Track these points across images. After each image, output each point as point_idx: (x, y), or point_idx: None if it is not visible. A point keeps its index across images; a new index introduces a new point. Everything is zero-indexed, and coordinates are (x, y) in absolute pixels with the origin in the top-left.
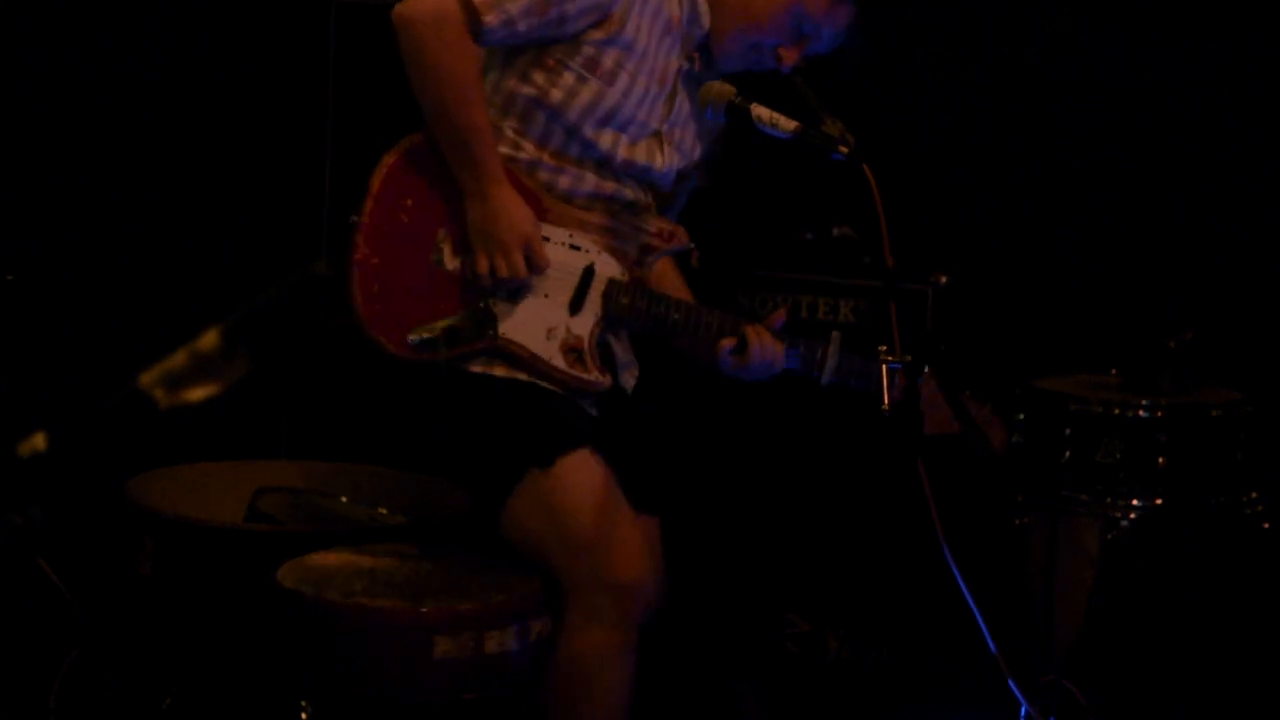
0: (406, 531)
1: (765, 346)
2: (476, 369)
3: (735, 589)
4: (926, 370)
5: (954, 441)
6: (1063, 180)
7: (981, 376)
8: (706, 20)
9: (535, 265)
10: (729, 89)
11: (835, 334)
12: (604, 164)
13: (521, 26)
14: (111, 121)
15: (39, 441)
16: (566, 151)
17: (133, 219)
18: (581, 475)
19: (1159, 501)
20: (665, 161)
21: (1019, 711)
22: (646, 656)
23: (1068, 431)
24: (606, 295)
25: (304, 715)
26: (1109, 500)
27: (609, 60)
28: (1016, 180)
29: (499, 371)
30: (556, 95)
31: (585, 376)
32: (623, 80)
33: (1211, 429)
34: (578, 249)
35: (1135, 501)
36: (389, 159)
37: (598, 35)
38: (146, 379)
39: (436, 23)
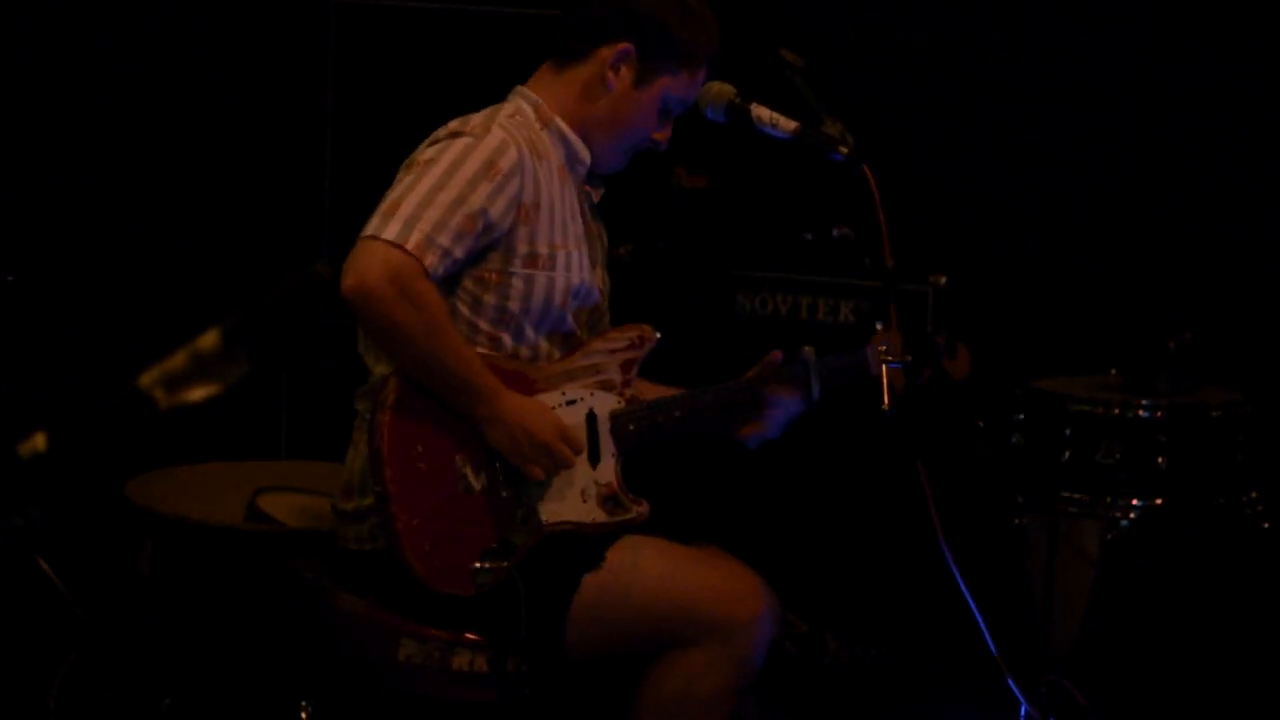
0: None
1: (782, 399)
2: None
3: None
4: (881, 328)
5: (950, 440)
6: (1062, 181)
7: (981, 376)
8: (585, 153)
9: (575, 448)
10: (729, 89)
11: (808, 349)
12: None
13: (459, 253)
14: (111, 122)
15: (39, 441)
16: (524, 337)
17: (133, 219)
18: (637, 551)
19: (1159, 502)
20: (597, 297)
21: (1019, 711)
22: (643, 657)
23: (1067, 432)
24: (615, 432)
25: (304, 715)
26: (1109, 500)
27: (544, 248)
28: (1016, 180)
29: None
30: (515, 305)
31: (627, 517)
32: (561, 257)
33: (1211, 429)
34: (574, 402)
35: (1135, 502)
36: (384, 418)
37: (524, 230)
38: (146, 379)
39: (395, 284)
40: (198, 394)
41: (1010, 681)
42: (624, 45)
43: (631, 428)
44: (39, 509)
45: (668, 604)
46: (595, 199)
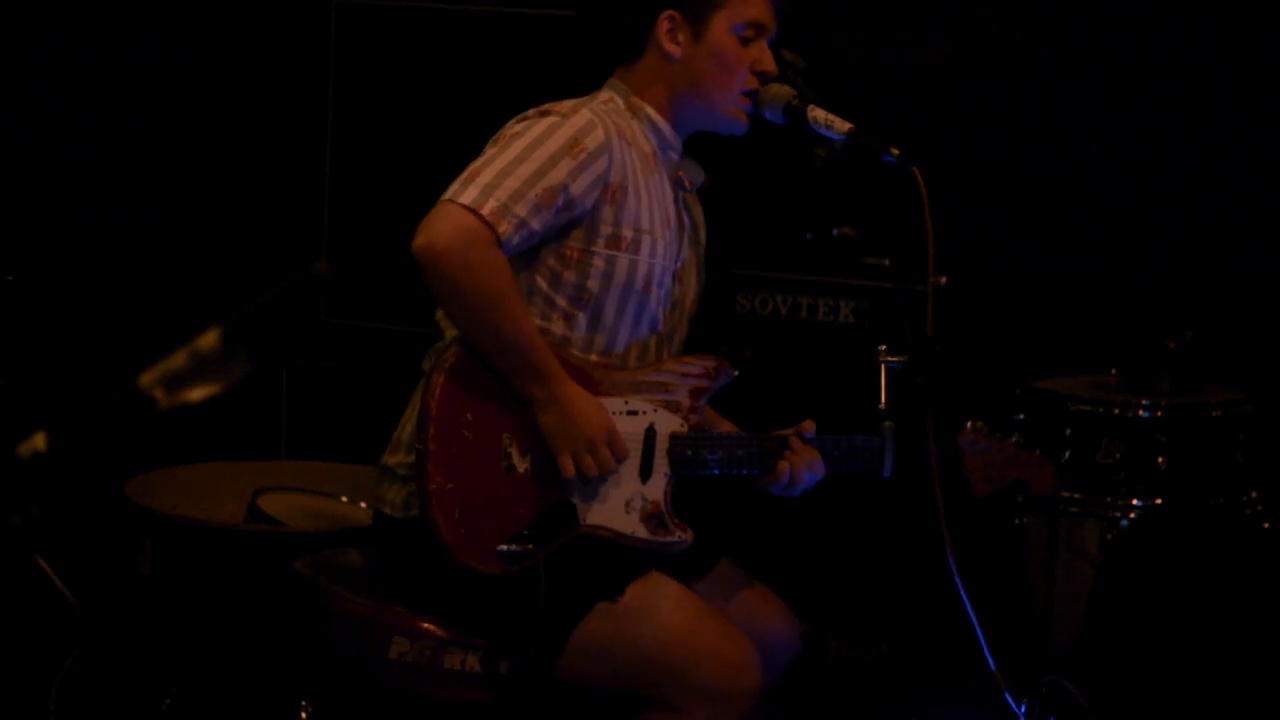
0: None
1: (807, 462)
2: None
3: None
4: (973, 425)
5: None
6: (1063, 180)
7: (981, 376)
8: (675, 138)
9: (619, 455)
10: (788, 90)
11: (888, 424)
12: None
13: (535, 225)
14: (111, 121)
15: (39, 441)
16: (603, 319)
17: (133, 219)
18: (657, 597)
19: (1159, 501)
20: (686, 293)
21: (1019, 712)
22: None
23: (1068, 431)
24: (671, 452)
25: (304, 715)
26: (1109, 500)
27: (628, 231)
28: (1017, 180)
29: None
30: (594, 285)
31: (668, 539)
32: (646, 243)
33: (1211, 429)
34: (635, 413)
35: (1135, 501)
36: (438, 379)
37: (609, 211)
38: (146, 379)
39: (464, 247)
40: (198, 394)
41: (1008, 696)
42: (665, 15)
43: (689, 453)
44: (39, 509)
45: (671, 658)
46: (690, 185)
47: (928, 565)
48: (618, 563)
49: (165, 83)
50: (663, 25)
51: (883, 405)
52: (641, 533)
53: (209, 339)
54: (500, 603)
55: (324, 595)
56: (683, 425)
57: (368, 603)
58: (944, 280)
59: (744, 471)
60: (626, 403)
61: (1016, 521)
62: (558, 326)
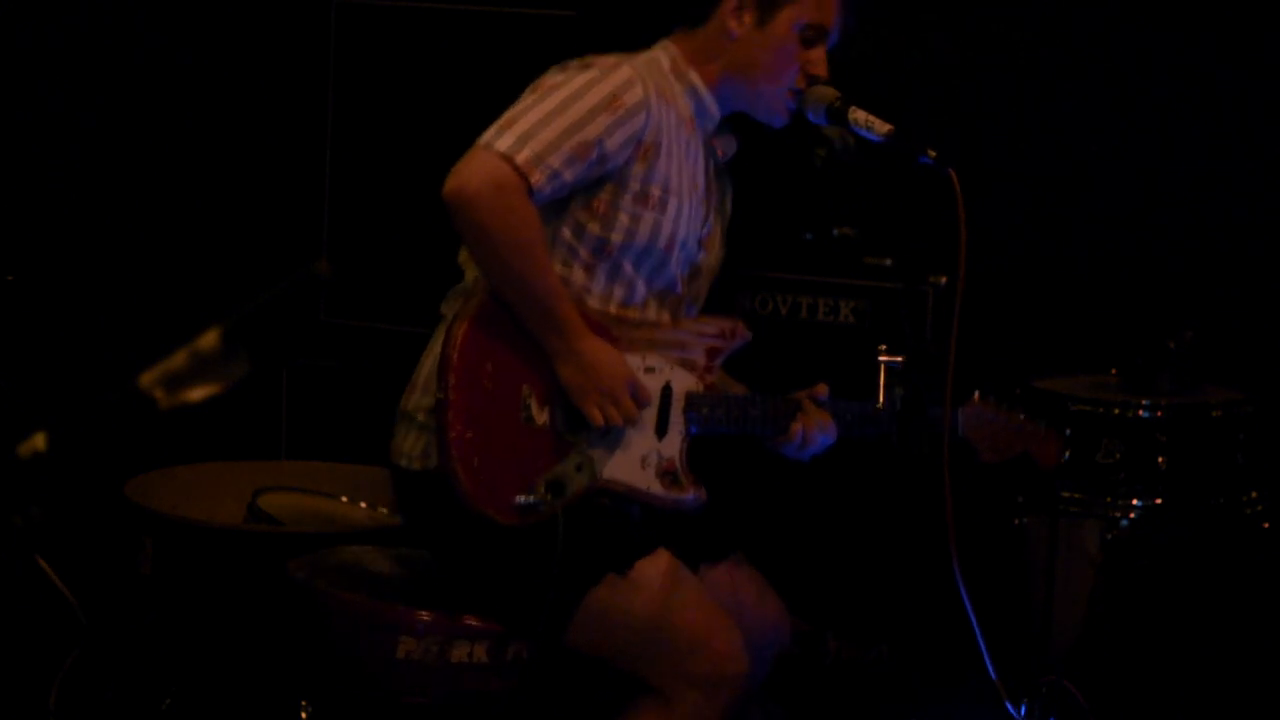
0: (406, 532)
1: (820, 424)
2: None
3: None
4: (979, 397)
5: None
6: (1063, 180)
7: (981, 376)
8: (714, 108)
9: (641, 402)
10: (831, 92)
11: (899, 389)
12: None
13: (568, 176)
14: (112, 121)
15: (39, 441)
16: (622, 273)
17: (133, 219)
18: (663, 577)
19: (1159, 501)
20: (709, 258)
21: (1018, 716)
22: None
23: (1068, 431)
24: (688, 410)
25: (304, 715)
26: (1109, 500)
27: (656, 189)
28: (1016, 181)
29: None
30: (617, 239)
31: (683, 496)
32: (673, 204)
33: (1211, 429)
34: (652, 370)
35: (1135, 501)
36: (460, 328)
37: (640, 169)
38: (146, 379)
39: (495, 193)
40: (198, 394)
41: (1008, 704)
42: None
43: (705, 411)
44: (39, 509)
45: (664, 643)
46: (721, 154)
47: (928, 565)
48: (629, 537)
49: (165, 83)
50: (730, 1)
51: (880, 405)
52: (656, 488)
53: (209, 339)
54: (518, 556)
55: (323, 598)
56: (698, 384)
57: (368, 603)
58: (944, 280)
59: (758, 431)
60: (644, 359)
61: (1016, 521)
62: (578, 276)
